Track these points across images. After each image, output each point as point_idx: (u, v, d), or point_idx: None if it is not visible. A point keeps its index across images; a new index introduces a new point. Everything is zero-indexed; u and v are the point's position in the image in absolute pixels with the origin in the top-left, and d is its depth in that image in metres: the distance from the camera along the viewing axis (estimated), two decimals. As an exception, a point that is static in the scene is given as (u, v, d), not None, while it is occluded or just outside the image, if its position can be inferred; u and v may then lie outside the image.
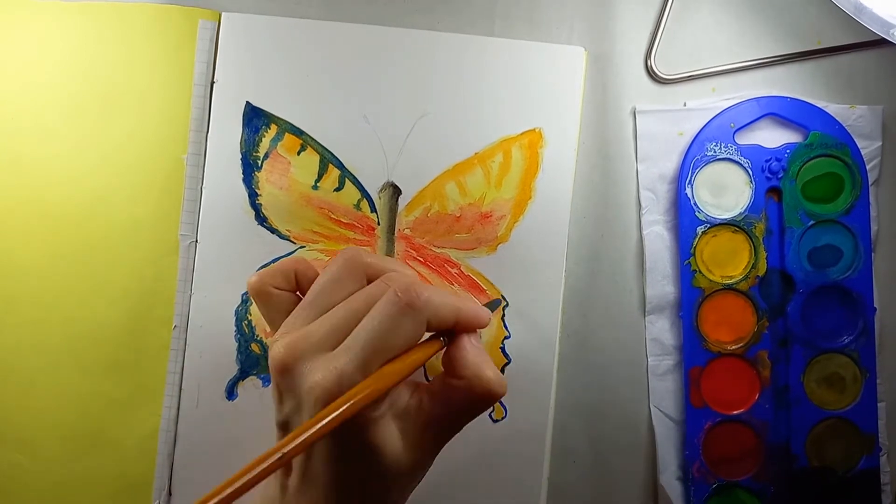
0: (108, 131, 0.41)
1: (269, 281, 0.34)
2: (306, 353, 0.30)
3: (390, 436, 0.31)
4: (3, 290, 0.41)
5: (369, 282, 0.33)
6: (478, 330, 0.34)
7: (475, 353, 0.33)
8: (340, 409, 0.28)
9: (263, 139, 0.42)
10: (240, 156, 0.42)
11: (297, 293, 0.35)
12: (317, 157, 0.42)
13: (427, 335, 0.33)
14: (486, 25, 0.43)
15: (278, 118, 0.42)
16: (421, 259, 0.42)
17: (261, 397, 0.42)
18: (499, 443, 0.42)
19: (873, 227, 0.43)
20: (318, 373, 0.29)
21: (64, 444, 0.41)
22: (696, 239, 0.42)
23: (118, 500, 0.42)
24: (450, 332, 0.33)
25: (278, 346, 0.30)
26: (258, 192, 0.42)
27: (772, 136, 0.43)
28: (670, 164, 0.43)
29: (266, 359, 0.42)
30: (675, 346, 0.43)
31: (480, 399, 0.32)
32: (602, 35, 0.43)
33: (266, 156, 0.42)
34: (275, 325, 0.34)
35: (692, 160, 0.42)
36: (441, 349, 0.33)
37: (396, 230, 0.42)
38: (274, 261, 0.42)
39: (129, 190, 0.41)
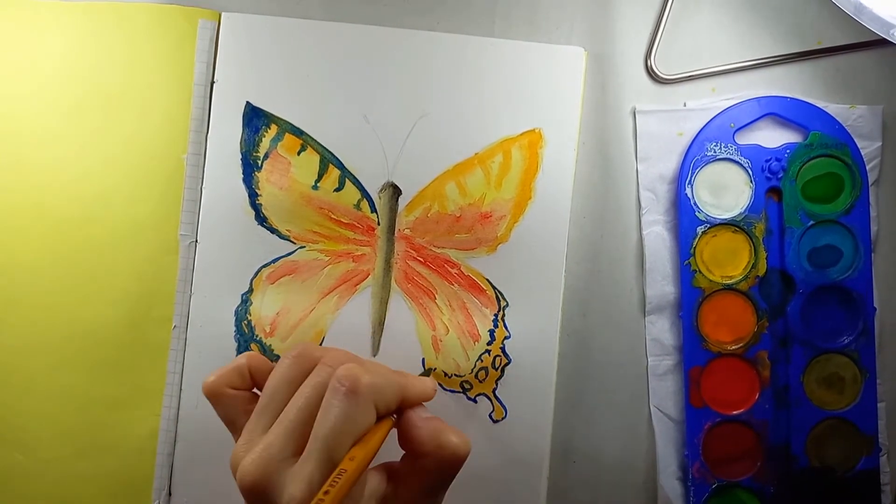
0: (108, 131, 0.41)
1: (225, 382, 0.35)
2: (273, 466, 0.31)
3: None
4: (4, 291, 0.41)
5: None
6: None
7: (427, 426, 0.33)
8: None
9: (263, 139, 0.42)
10: (240, 156, 0.42)
11: (254, 390, 0.36)
12: (317, 157, 0.42)
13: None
14: (486, 26, 0.43)
15: (278, 118, 0.42)
16: (421, 259, 0.42)
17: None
18: (499, 443, 0.42)
19: (873, 227, 0.43)
20: (290, 486, 0.30)
21: (64, 444, 0.41)
22: (696, 239, 0.42)
23: (118, 500, 0.42)
24: (397, 410, 0.34)
25: (245, 465, 0.31)
26: (258, 192, 0.42)
27: (772, 136, 0.43)
28: (670, 164, 0.43)
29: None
30: (675, 347, 0.43)
31: (448, 466, 0.33)
32: (602, 35, 0.43)
33: (266, 156, 0.42)
34: (234, 427, 0.35)
35: (692, 160, 0.42)
36: (392, 427, 0.34)
37: (396, 230, 0.42)
38: (274, 261, 0.42)
39: (130, 190, 0.41)
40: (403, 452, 0.34)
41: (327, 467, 0.30)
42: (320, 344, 0.42)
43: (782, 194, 0.43)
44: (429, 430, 0.33)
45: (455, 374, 0.42)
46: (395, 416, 0.34)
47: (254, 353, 0.36)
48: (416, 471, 0.33)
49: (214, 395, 0.35)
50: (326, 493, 0.28)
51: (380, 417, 0.33)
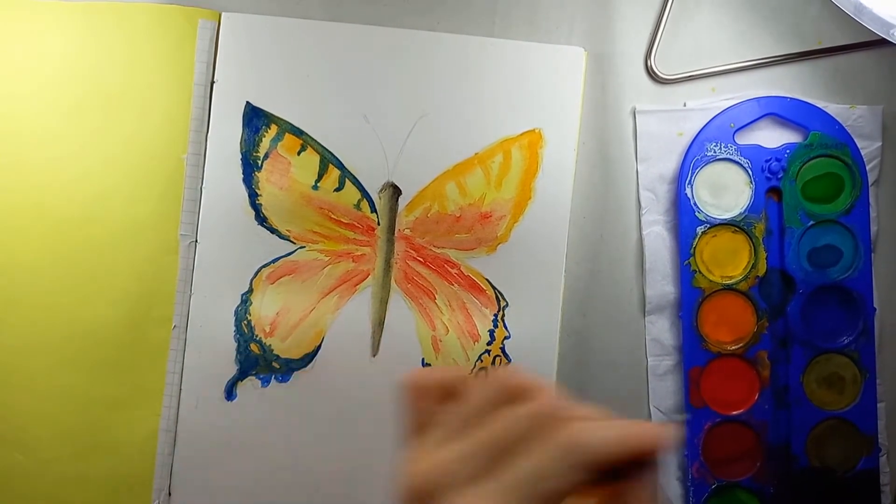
0: (108, 131, 0.41)
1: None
2: (442, 483, 0.27)
3: None
4: (4, 291, 0.41)
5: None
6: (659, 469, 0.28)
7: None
8: None
9: (263, 139, 0.42)
10: (240, 156, 0.42)
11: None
12: (317, 157, 0.42)
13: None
14: (486, 26, 0.43)
15: (278, 118, 0.42)
16: (421, 259, 0.42)
17: (260, 397, 0.42)
18: (499, 443, 0.42)
19: (873, 228, 0.43)
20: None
21: (64, 444, 0.41)
22: (696, 239, 0.42)
23: (118, 500, 0.42)
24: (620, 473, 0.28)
25: (416, 469, 0.28)
26: (258, 192, 0.42)
27: (772, 136, 0.43)
28: (670, 165, 0.43)
29: (265, 360, 0.42)
30: (675, 347, 0.43)
31: None
32: (602, 35, 0.43)
33: (266, 156, 0.42)
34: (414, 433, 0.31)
35: (692, 160, 0.42)
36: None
37: (396, 230, 0.42)
38: (274, 261, 0.42)
39: (130, 190, 0.41)
40: None
41: None
42: (320, 344, 0.42)
43: (782, 194, 0.43)
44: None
45: (455, 374, 0.42)
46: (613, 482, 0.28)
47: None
48: None
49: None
50: None
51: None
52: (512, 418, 0.29)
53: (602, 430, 0.27)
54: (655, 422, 0.29)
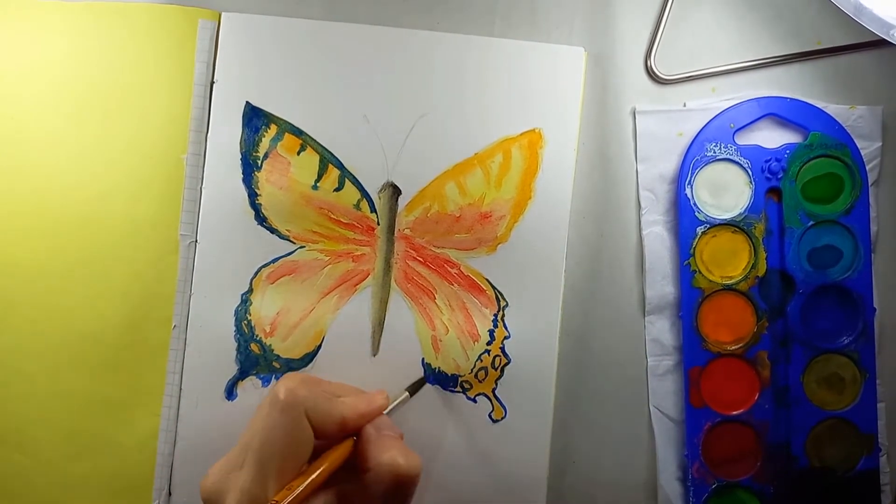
0: (108, 131, 0.41)
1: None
2: (221, 478, 0.32)
3: None
4: (4, 291, 0.41)
5: None
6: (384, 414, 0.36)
7: (377, 442, 0.33)
8: None
9: (263, 139, 0.42)
10: (240, 156, 0.42)
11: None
12: (317, 157, 0.42)
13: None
14: (486, 25, 0.43)
15: (278, 118, 0.42)
16: (421, 259, 0.42)
17: (260, 397, 0.42)
18: (499, 443, 0.42)
19: (873, 228, 0.43)
20: (229, 495, 0.31)
21: (64, 444, 0.41)
22: (696, 239, 0.42)
23: (118, 500, 0.42)
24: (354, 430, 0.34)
25: (204, 479, 0.33)
26: (258, 192, 0.42)
27: (772, 137, 0.43)
28: (670, 165, 0.43)
29: (265, 359, 0.42)
30: (674, 347, 0.43)
31: (393, 484, 0.32)
32: (602, 35, 0.43)
33: (266, 156, 0.42)
34: None
35: (692, 160, 0.42)
36: (352, 449, 0.34)
37: (396, 230, 0.42)
38: (274, 261, 0.42)
39: (129, 190, 0.41)
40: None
41: (260, 474, 0.31)
42: (320, 344, 0.42)
43: (782, 194, 0.43)
44: (376, 446, 0.33)
45: (455, 374, 0.42)
46: (354, 437, 0.34)
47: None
48: (363, 490, 0.33)
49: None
50: None
51: (333, 438, 0.33)
52: (260, 406, 0.34)
53: (319, 397, 0.33)
54: (374, 393, 0.37)
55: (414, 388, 0.41)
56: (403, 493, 0.33)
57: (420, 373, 0.42)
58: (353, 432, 0.35)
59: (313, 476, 0.31)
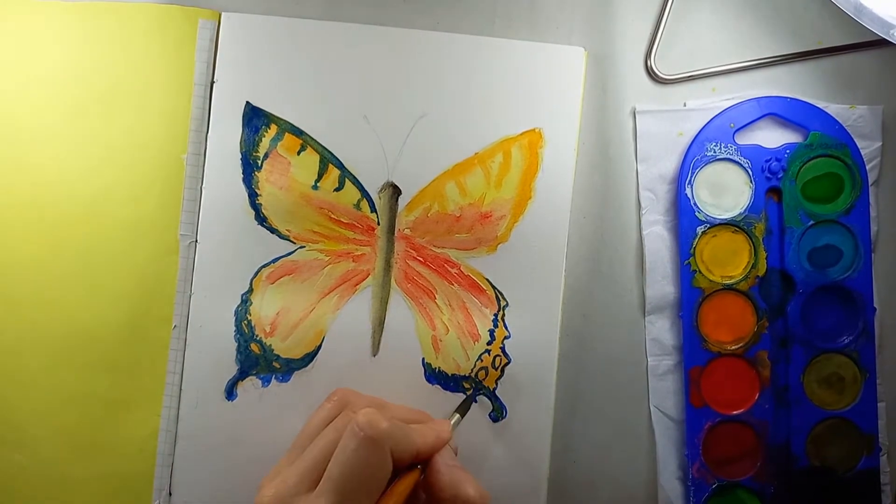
0: (108, 131, 0.41)
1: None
2: (286, 500, 0.32)
3: None
4: (4, 290, 0.41)
5: None
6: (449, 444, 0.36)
7: (450, 474, 0.34)
8: None
9: (263, 139, 0.42)
10: (240, 156, 0.42)
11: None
12: (317, 157, 0.42)
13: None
14: (486, 25, 0.43)
15: (278, 118, 0.42)
16: (421, 259, 0.42)
17: (260, 398, 0.42)
18: (499, 443, 0.42)
19: (873, 228, 0.43)
20: None
21: (64, 444, 0.41)
22: (696, 239, 0.42)
23: (118, 500, 0.42)
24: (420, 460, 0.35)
25: (261, 499, 0.32)
26: (258, 192, 0.42)
27: (772, 137, 0.43)
28: (670, 165, 0.43)
29: (265, 359, 0.42)
30: (675, 346, 0.43)
31: None
32: (602, 35, 0.43)
33: (266, 156, 0.42)
34: None
35: (692, 160, 0.42)
36: (420, 477, 0.34)
37: (396, 230, 0.42)
38: (274, 261, 0.42)
39: (129, 190, 0.41)
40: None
41: None
42: (320, 344, 0.42)
43: (782, 194, 0.43)
44: (449, 478, 0.33)
45: (455, 374, 0.42)
46: (420, 465, 0.35)
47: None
48: None
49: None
50: None
51: (403, 468, 0.33)
52: (330, 429, 0.34)
53: (399, 430, 0.33)
54: (441, 422, 0.37)
55: (464, 409, 0.41)
56: None
57: (420, 373, 0.42)
58: (421, 462, 0.35)
59: None
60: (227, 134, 0.42)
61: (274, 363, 0.42)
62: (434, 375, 0.42)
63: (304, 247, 0.42)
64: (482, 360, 0.42)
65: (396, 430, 0.33)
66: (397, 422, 0.33)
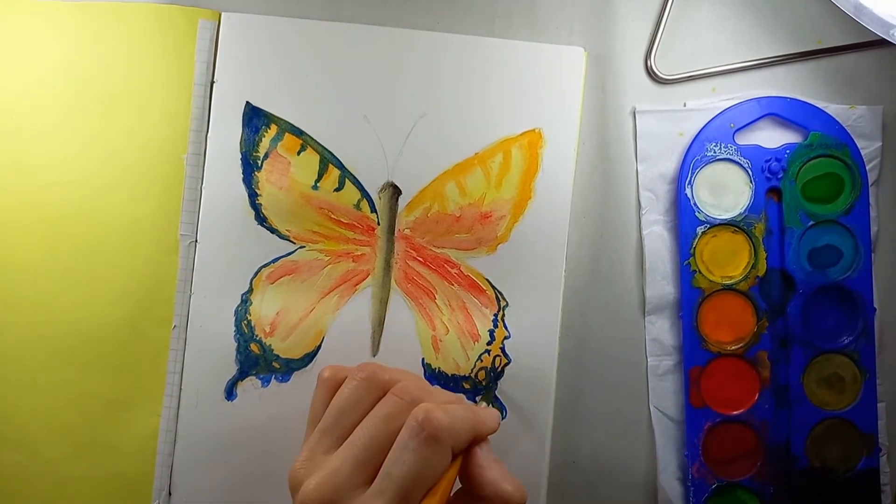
0: (108, 131, 0.41)
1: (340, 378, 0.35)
2: (339, 493, 0.30)
3: None
4: (3, 291, 0.41)
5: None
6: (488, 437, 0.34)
7: (491, 469, 0.33)
8: None
9: (263, 139, 0.42)
10: (240, 156, 0.42)
11: None
12: (317, 157, 0.42)
13: None
14: (486, 26, 0.43)
15: (278, 118, 0.42)
16: (421, 259, 0.42)
17: (260, 398, 0.42)
18: (499, 443, 0.42)
19: (873, 228, 0.43)
20: None
21: (64, 444, 0.41)
22: (696, 239, 0.42)
23: (118, 500, 0.42)
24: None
25: (310, 489, 0.30)
26: (258, 192, 0.42)
27: (772, 137, 0.43)
28: (670, 165, 0.43)
29: (265, 360, 0.42)
30: (675, 347, 0.43)
31: None
32: (602, 35, 0.43)
33: (266, 156, 0.42)
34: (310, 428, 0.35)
35: (692, 160, 0.42)
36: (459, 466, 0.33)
37: (396, 230, 0.42)
38: (274, 261, 0.42)
39: (129, 190, 0.41)
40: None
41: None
42: (320, 344, 0.42)
43: (782, 194, 0.43)
44: (491, 475, 0.32)
45: (455, 374, 0.42)
46: (461, 454, 0.33)
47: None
48: None
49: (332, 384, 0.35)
50: None
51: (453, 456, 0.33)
52: (378, 418, 0.33)
53: (458, 421, 0.32)
54: (492, 410, 0.36)
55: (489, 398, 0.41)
56: None
57: (420, 373, 0.42)
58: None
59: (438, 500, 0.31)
60: (227, 134, 0.42)
61: (274, 363, 0.42)
62: (434, 376, 0.42)
63: (304, 247, 0.42)
64: (482, 361, 0.42)
65: (457, 424, 0.32)
66: (455, 412, 0.32)
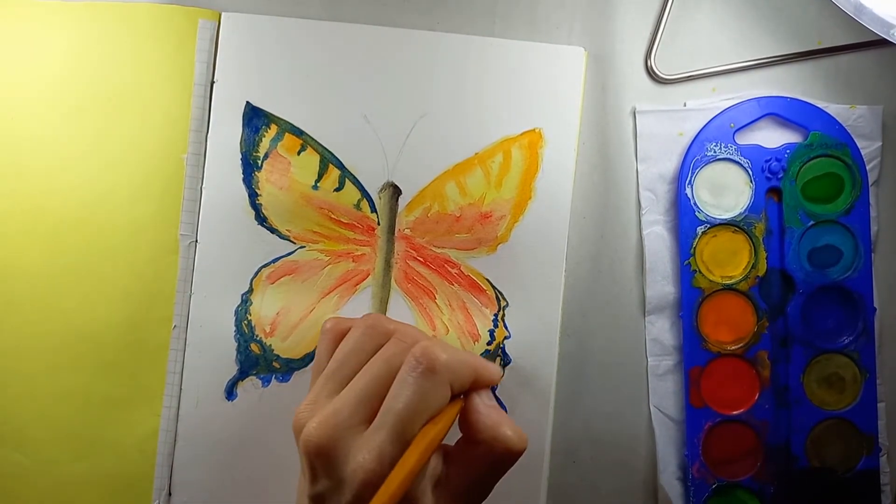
0: (108, 131, 0.41)
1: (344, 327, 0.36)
2: (340, 432, 0.30)
3: None
4: (4, 291, 0.41)
5: None
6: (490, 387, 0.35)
7: (489, 414, 0.33)
8: (397, 485, 0.29)
9: (263, 139, 0.42)
10: (240, 156, 0.42)
11: None
12: (317, 157, 0.42)
13: None
14: (486, 26, 0.43)
15: (278, 118, 0.42)
16: (421, 259, 0.42)
17: (260, 397, 0.42)
18: (499, 443, 0.42)
19: (873, 228, 0.43)
20: (360, 454, 0.30)
21: (64, 444, 0.41)
22: (696, 239, 0.42)
23: (118, 500, 0.42)
24: (464, 392, 0.34)
25: (311, 428, 0.31)
26: (258, 192, 0.42)
27: (772, 136, 0.43)
28: (670, 164, 0.43)
29: (265, 360, 0.42)
30: (675, 347, 0.43)
31: (501, 460, 0.32)
32: (602, 35, 0.43)
33: (266, 156, 0.42)
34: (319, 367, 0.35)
35: (692, 160, 0.42)
36: (461, 408, 0.33)
37: (396, 230, 0.42)
38: (274, 261, 0.42)
39: (129, 190, 0.41)
40: (461, 435, 0.34)
41: (399, 441, 0.30)
42: (320, 344, 0.42)
43: (782, 194, 0.43)
44: (489, 419, 0.32)
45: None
46: (463, 397, 0.34)
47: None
48: (469, 458, 0.33)
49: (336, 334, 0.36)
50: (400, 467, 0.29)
51: (452, 397, 0.33)
52: (380, 359, 0.33)
53: (456, 357, 0.32)
54: (492, 363, 0.36)
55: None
56: (508, 467, 0.33)
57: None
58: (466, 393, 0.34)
59: (431, 442, 0.31)
60: (227, 134, 0.42)
61: (274, 363, 0.42)
62: (434, 375, 0.42)
63: (305, 247, 0.42)
64: (482, 360, 0.42)
65: (455, 361, 0.32)
66: (455, 352, 0.32)
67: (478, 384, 0.34)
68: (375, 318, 0.35)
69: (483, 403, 0.33)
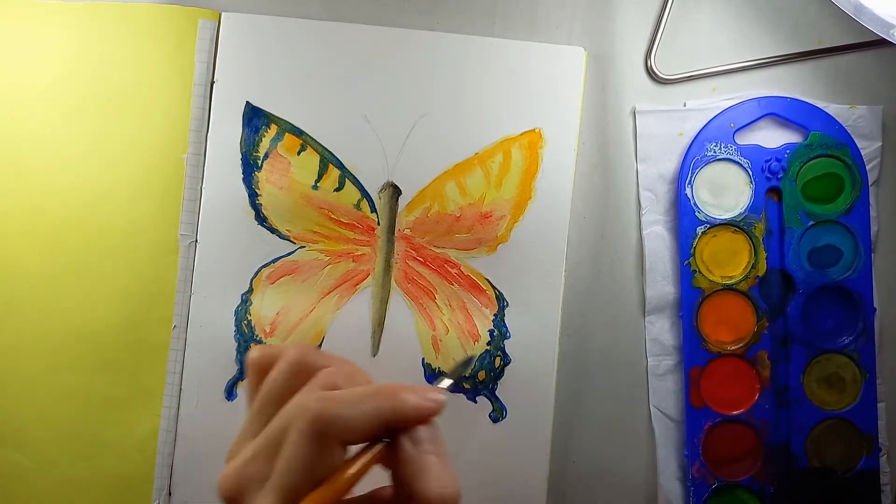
0: (108, 131, 0.41)
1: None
2: (247, 483, 0.29)
3: None
4: (4, 291, 0.41)
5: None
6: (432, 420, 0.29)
7: (411, 462, 0.28)
8: None
9: (263, 139, 0.42)
10: (240, 156, 0.42)
11: None
12: (317, 157, 0.42)
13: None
14: (486, 26, 0.43)
15: (278, 118, 0.42)
16: (421, 259, 0.42)
17: (261, 397, 0.42)
18: (499, 443, 0.42)
19: (873, 228, 0.43)
20: None
21: (64, 444, 0.41)
22: (696, 239, 0.42)
23: (118, 500, 0.42)
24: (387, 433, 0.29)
25: (221, 477, 0.29)
26: (258, 192, 0.42)
27: (772, 137, 0.43)
28: (670, 165, 0.43)
29: (266, 359, 0.42)
30: (675, 347, 0.43)
31: None
32: (602, 35, 0.43)
33: (266, 156, 0.42)
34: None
35: (692, 160, 0.42)
36: (381, 454, 0.29)
37: (396, 230, 0.42)
38: (274, 261, 0.42)
39: (130, 190, 0.41)
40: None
41: (287, 500, 0.27)
42: (320, 345, 0.42)
43: (782, 194, 0.43)
44: (410, 468, 0.28)
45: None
46: (385, 441, 0.29)
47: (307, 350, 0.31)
48: None
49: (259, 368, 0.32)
50: None
51: (374, 440, 0.29)
52: (290, 407, 0.29)
53: (360, 412, 0.27)
54: (430, 390, 0.30)
55: (458, 373, 0.37)
56: None
57: (420, 373, 0.42)
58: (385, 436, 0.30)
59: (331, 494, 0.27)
60: (227, 134, 0.42)
61: (274, 363, 0.42)
62: (434, 376, 0.42)
63: (305, 247, 0.42)
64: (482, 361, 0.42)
65: (354, 416, 0.28)
66: (360, 398, 0.28)
67: (403, 425, 0.29)
68: (302, 352, 0.31)
69: (406, 449, 0.29)
